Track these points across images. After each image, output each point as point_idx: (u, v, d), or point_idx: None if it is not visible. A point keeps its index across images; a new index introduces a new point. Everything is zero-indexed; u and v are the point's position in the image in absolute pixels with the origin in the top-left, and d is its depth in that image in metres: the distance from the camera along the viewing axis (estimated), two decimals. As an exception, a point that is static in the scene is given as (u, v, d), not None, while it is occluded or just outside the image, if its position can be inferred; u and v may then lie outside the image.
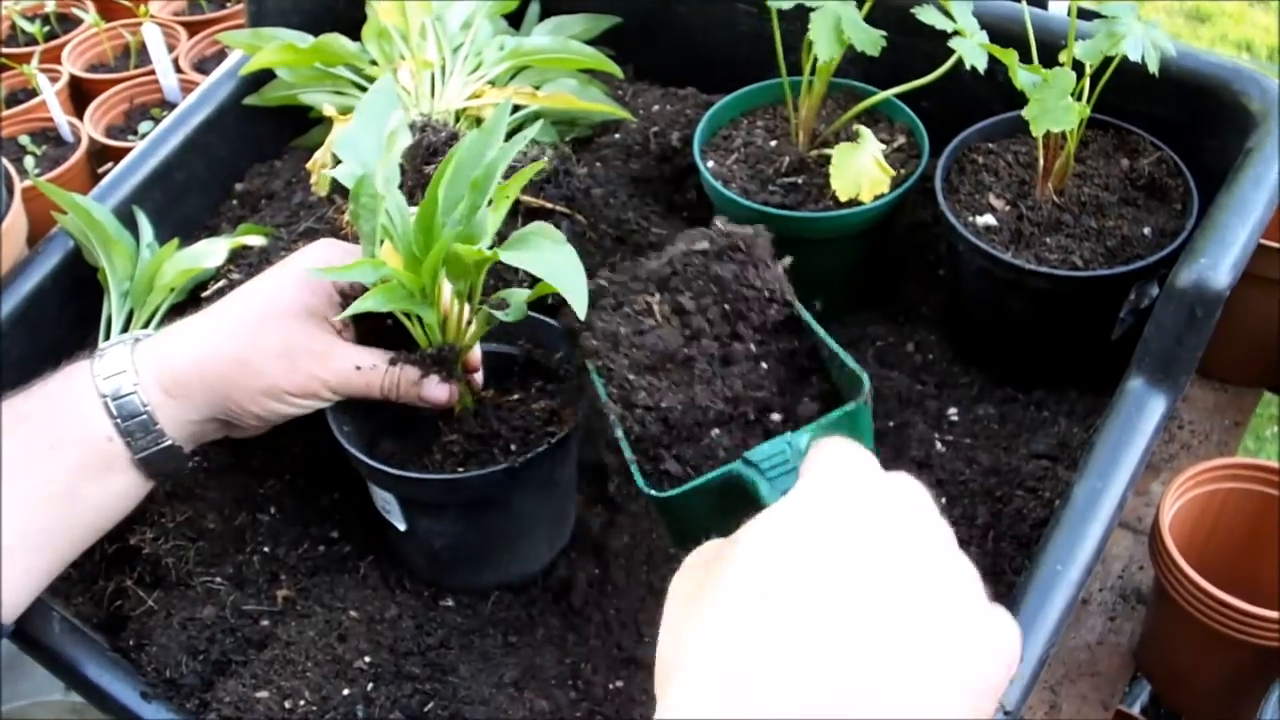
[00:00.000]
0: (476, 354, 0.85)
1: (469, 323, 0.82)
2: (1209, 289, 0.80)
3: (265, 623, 0.88)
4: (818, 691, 0.41)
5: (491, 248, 0.74)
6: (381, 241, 0.78)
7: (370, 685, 0.83)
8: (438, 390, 0.82)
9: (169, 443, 0.80)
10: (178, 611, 0.88)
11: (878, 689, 0.42)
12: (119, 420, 0.79)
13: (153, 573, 0.90)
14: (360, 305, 0.74)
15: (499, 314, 0.75)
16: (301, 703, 0.81)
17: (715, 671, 0.43)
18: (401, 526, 0.86)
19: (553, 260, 0.72)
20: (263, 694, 0.82)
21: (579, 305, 0.69)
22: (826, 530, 0.47)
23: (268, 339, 0.80)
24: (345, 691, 0.82)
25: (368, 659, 0.85)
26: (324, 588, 0.90)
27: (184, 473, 0.88)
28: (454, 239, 0.74)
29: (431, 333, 0.81)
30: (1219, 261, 0.81)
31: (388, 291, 0.75)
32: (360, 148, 0.82)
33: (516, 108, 1.15)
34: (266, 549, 0.92)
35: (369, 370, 0.81)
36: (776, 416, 0.71)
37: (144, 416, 0.79)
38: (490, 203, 0.76)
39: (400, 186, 1.01)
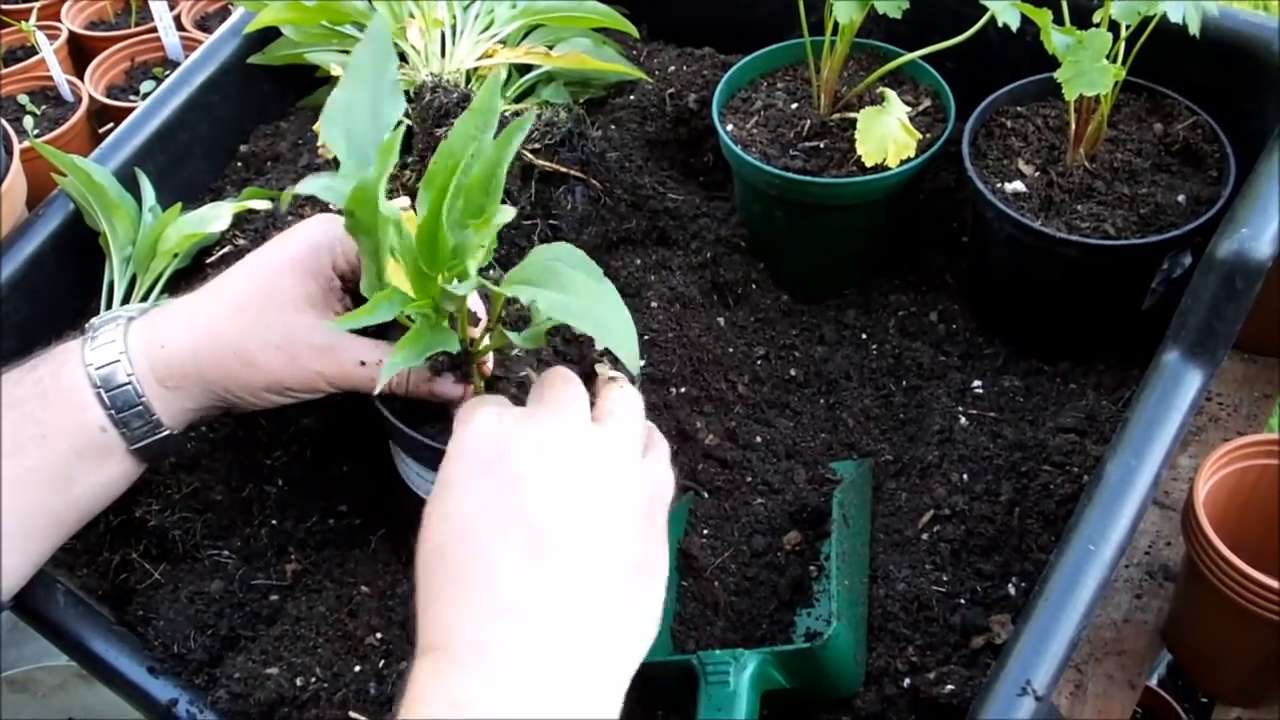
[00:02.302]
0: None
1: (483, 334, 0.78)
2: (1250, 259, 0.78)
3: (274, 597, 0.86)
4: None
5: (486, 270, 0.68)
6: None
7: (382, 662, 0.82)
8: (451, 388, 0.78)
9: (166, 432, 0.78)
10: (185, 585, 0.86)
11: None
12: (113, 412, 0.76)
13: (159, 545, 0.88)
14: (355, 319, 0.67)
15: (514, 336, 0.71)
16: (313, 680, 0.79)
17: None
18: None
19: (599, 310, 0.65)
20: (272, 670, 0.80)
21: (632, 363, 0.63)
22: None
23: (267, 331, 0.77)
24: (357, 668, 0.81)
25: (379, 635, 0.83)
26: (334, 562, 0.88)
27: (184, 453, 0.85)
28: (448, 273, 0.68)
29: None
30: (1261, 231, 0.78)
31: (388, 297, 0.68)
32: (353, 115, 0.72)
33: (529, 67, 1.12)
34: (274, 522, 0.90)
35: (374, 366, 0.77)
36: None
37: (139, 407, 0.76)
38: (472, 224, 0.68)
39: (410, 150, 0.99)
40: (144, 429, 0.77)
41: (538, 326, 0.70)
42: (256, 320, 0.77)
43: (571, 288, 0.66)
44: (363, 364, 0.77)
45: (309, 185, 0.70)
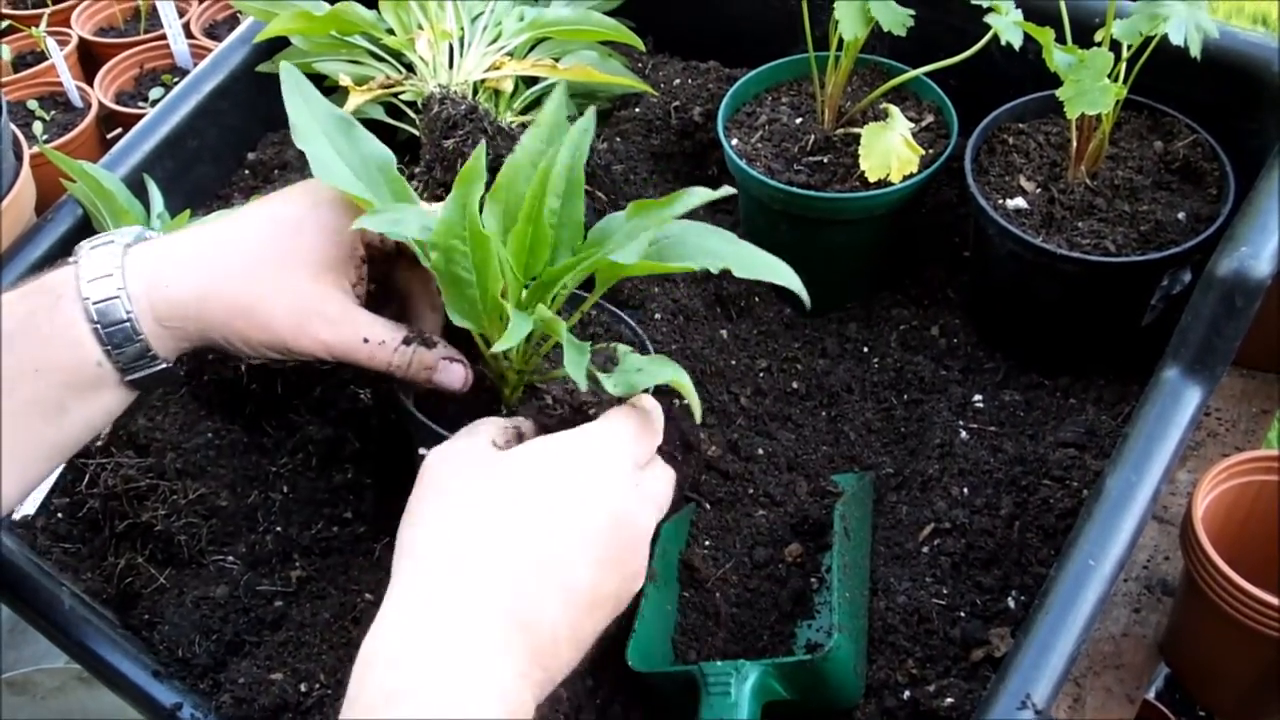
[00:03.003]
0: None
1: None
2: (1250, 278, 0.78)
3: (279, 603, 0.87)
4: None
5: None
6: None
7: (385, 669, 0.82)
8: (453, 376, 0.78)
9: (161, 365, 0.75)
10: (190, 590, 0.87)
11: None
12: (109, 348, 0.73)
13: (164, 550, 0.89)
14: (506, 341, 0.68)
15: (603, 378, 0.70)
16: (316, 686, 0.80)
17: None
18: None
19: (763, 260, 0.71)
20: (276, 675, 0.81)
21: (803, 293, 0.70)
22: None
23: (279, 291, 0.75)
24: (359, 674, 0.81)
25: (382, 642, 0.83)
26: (338, 569, 0.88)
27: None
28: (594, 253, 0.70)
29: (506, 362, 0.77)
30: (1260, 249, 0.79)
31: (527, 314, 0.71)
32: (334, 159, 0.77)
33: (536, 80, 1.13)
34: (279, 528, 0.91)
35: (376, 345, 0.76)
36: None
37: (137, 344, 0.73)
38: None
39: (417, 160, 1.00)
40: (140, 363, 0.75)
41: (627, 375, 0.71)
42: (271, 280, 0.75)
43: (725, 250, 0.71)
44: (367, 341, 0.76)
45: (377, 223, 0.71)
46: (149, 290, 0.74)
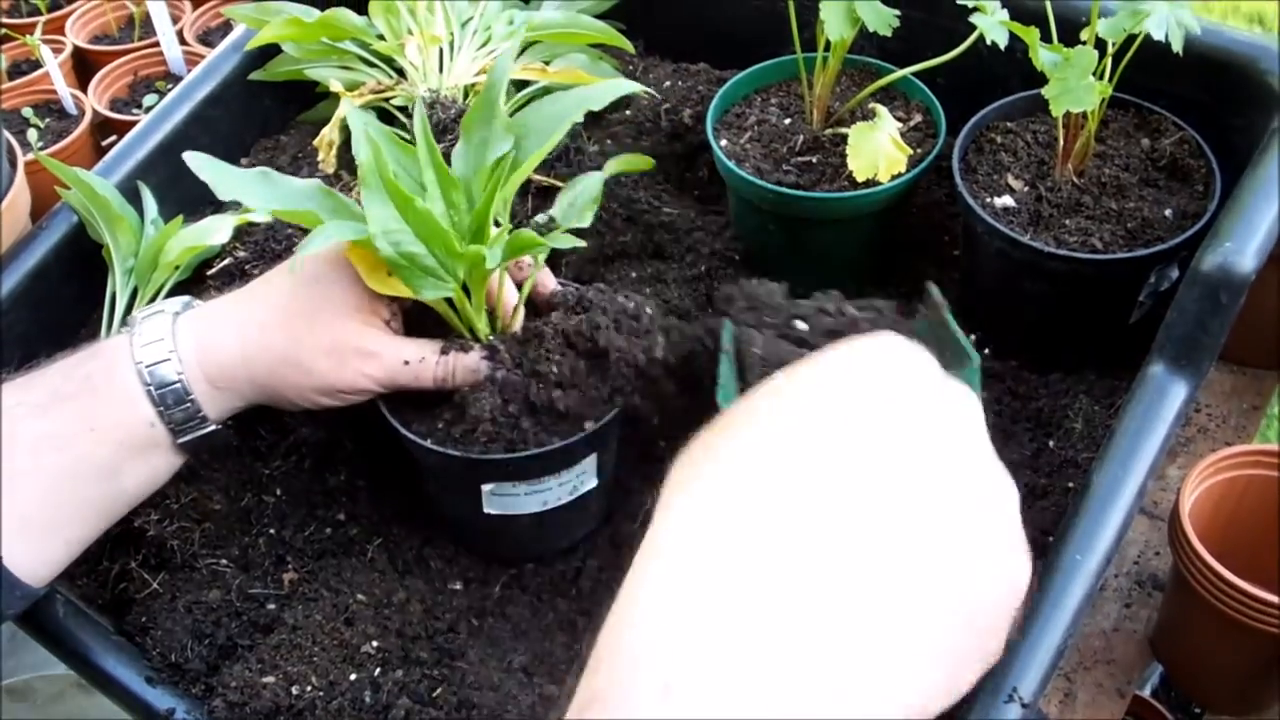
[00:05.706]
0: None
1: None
2: (1234, 273, 0.79)
3: (271, 606, 0.87)
4: (810, 577, 0.40)
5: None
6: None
7: (378, 670, 0.82)
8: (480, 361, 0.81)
9: (211, 428, 0.81)
10: (183, 594, 0.87)
11: (869, 589, 0.41)
12: (162, 409, 0.78)
13: (157, 555, 0.89)
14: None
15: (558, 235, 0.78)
16: (308, 688, 0.80)
17: (719, 502, 0.41)
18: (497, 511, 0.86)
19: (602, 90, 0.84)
20: (269, 679, 0.81)
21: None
22: (864, 400, 0.45)
23: (317, 337, 0.80)
24: (352, 676, 0.82)
25: (375, 643, 0.84)
26: (331, 571, 0.89)
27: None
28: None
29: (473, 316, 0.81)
30: (1244, 245, 0.79)
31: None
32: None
33: (526, 83, 1.13)
34: (272, 531, 0.91)
35: (417, 364, 0.80)
36: None
37: (187, 405, 0.79)
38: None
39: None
40: (191, 425, 0.80)
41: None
42: (307, 326, 0.80)
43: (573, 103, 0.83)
44: (407, 363, 0.80)
45: (321, 238, 0.75)
46: (198, 353, 0.79)
